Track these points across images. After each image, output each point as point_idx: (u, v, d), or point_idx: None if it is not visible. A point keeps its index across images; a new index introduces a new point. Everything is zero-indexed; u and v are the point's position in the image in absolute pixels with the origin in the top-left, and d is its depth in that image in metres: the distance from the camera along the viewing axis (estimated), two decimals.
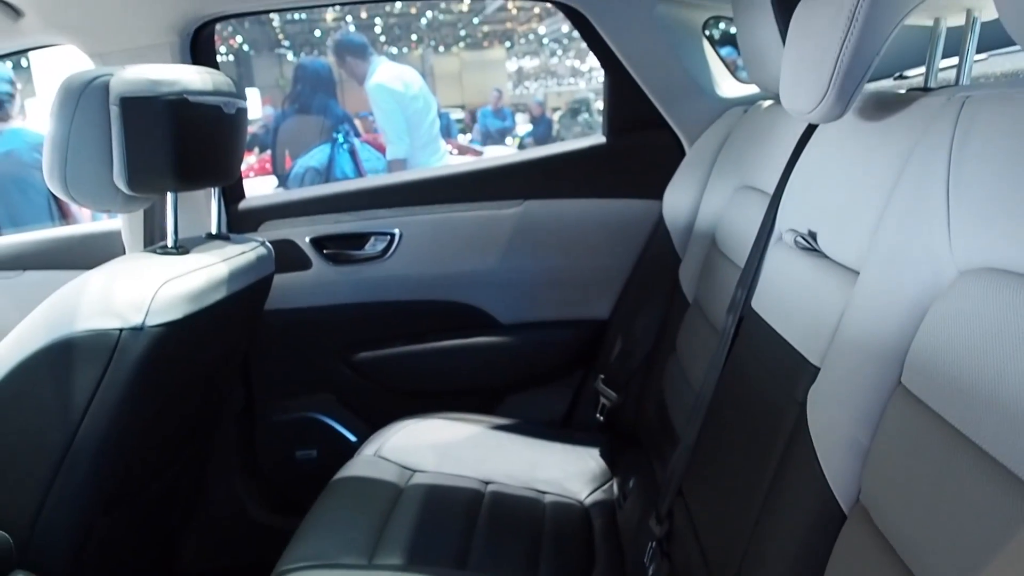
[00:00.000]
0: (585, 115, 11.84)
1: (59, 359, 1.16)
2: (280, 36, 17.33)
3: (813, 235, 0.97)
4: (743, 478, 0.96)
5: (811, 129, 1.14)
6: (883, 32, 0.85)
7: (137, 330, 1.16)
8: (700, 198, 1.62)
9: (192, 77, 1.30)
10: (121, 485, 1.32)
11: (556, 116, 12.34)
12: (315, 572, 1.25)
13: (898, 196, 0.79)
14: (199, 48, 1.72)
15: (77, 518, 1.22)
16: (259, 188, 5.18)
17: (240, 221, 1.83)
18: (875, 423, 0.73)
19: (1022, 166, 0.63)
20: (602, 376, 1.79)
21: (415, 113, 3.84)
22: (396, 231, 1.85)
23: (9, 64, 3.50)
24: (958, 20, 0.96)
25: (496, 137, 10.51)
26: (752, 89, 1.82)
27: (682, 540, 1.15)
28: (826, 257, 0.94)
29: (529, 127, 11.19)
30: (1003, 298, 0.61)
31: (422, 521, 1.40)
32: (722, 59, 1.89)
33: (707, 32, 1.87)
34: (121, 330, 1.16)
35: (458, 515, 1.43)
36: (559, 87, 19.55)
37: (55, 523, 1.20)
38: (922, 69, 0.99)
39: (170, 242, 1.36)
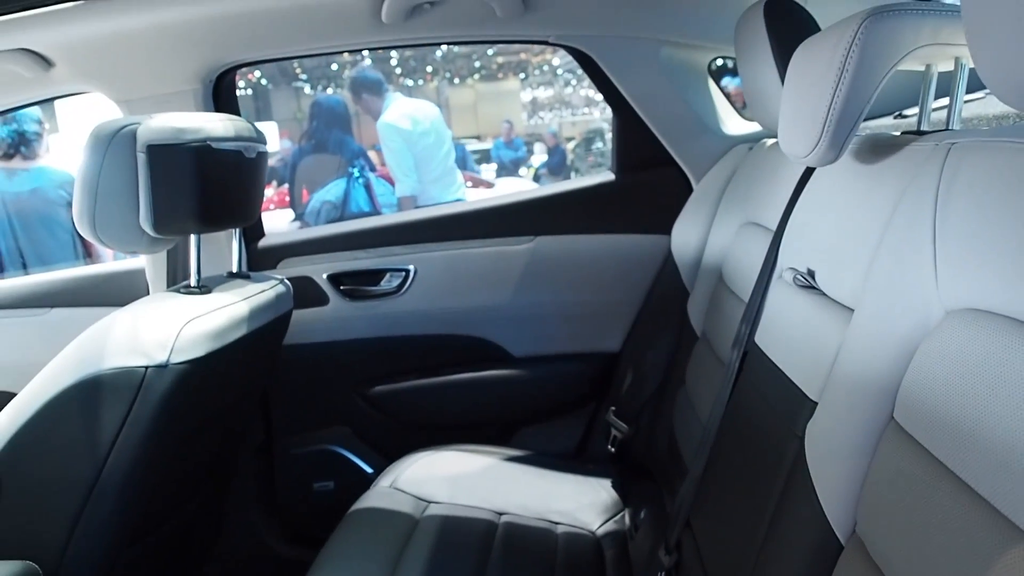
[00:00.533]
0: (599, 144, 11.92)
1: (88, 396, 1.20)
2: (297, 70, 17.58)
3: (812, 273, 1.01)
4: (746, 510, 0.99)
5: (811, 169, 1.18)
6: (873, 81, 0.89)
7: (162, 367, 1.21)
8: (707, 233, 1.66)
9: (215, 125, 1.36)
10: (145, 517, 1.36)
11: (571, 146, 12.43)
12: None
13: (889, 238, 0.83)
14: (221, 93, 1.79)
15: (104, 549, 1.26)
16: (277, 220, 5.26)
17: (260, 259, 1.89)
18: (869, 457, 0.76)
19: (1003, 212, 0.66)
20: (613, 408, 1.82)
21: (425, 149, 3.90)
22: (411, 267, 1.90)
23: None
24: (948, 66, 1.00)
25: (510, 168, 10.60)
26: (757, 126, 1.87)
27: (690, 571, 1.18)
28: (824, 295, 0.97)
29: (545, 157, 11.28)
30: (985, 338, 0.64)
31: (437, 552, 1.42)
32: (727, 95, 1.94)
33: (712, 68, 1.92)
34: (147, 368, 1.20)
35: (472, 546, 1.46)
36: (573, 117, 19.69)
37: (83, 554, 1.24)
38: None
39: (193, 281, 1.41)
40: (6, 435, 1.20)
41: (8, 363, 1.85)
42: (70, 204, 3.56)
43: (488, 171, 10.70)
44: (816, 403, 0.88)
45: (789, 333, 1.03)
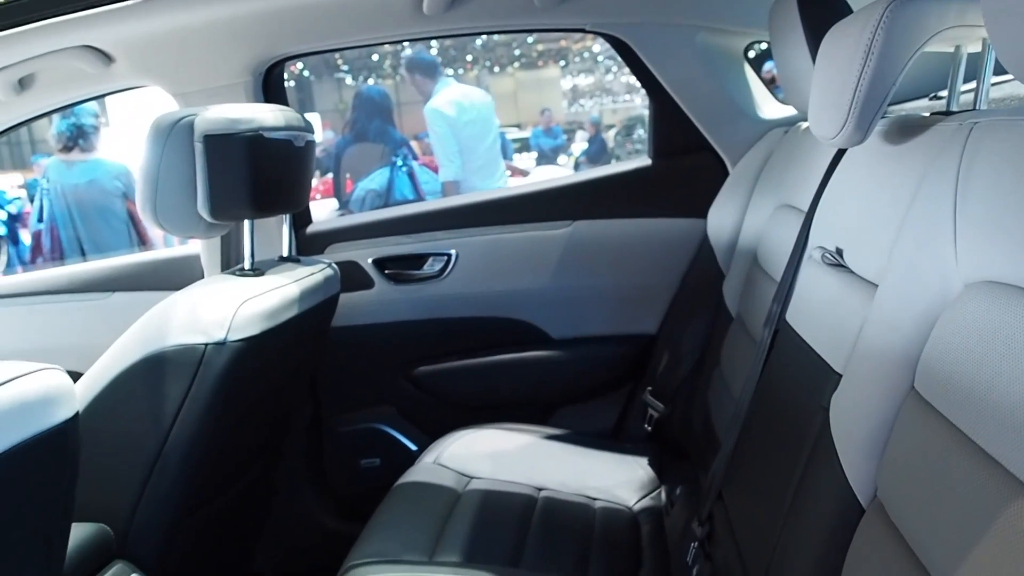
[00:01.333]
0: (640, 132, 11.86)
1: (152, 371, 1.29)
2: (339, 61, 17.76)
3: (840, 252, 1.04)
4: (774, 480, 1.03)
5: (843, 151, 1.20)
6: (898, 64, 0.92)
7: (220, 345, 1.28)
8: (743, 217, 1.69)
9: (266, 115, 1.43)
10: (205, 487, 1.44)
11: (611, 134, 12.40)
12: (379, 568, 1.35)
13: (912, 215, 0.86)
14: (270, 85, 1.86)
15: (167, 516, 1.34)
16: (323, 209, 5.36)
17: (308, 244, 1.96)
18: (890, 425, 0.80)
19: (1021, 187, 0.69)
20: (650, 388, 1.86)
21: (469, 137, 3.94)
22: (453, 252, 1.96)
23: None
24: (977, 47, 1.02)
25: (550, 156, 10.62)
26: (793, 110, 1.89)
27: (721, 541, 1.22)
28: (851, 272, 1.01)
29: (585, 145, 11.28)
30: (1001, 308, 0.67)
31: (479, 523, 1.48)
32: (771, 80, 1.96)
33: (751, 53, 1.94)
34: (206, 345, 1.28)
35: (513, 518, 1.52)
36: (614, 104, 19.60)
37: (149, 520, 1.32)
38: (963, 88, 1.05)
39: (247, 265, 1.49)
40: (79, 409, 1.29)
41: (74, 345, 1.95)
42: (125, 195, 3.71)
43: (528, 160, 10.72)
44: (841, 375, 0.92)
45: (817, 309, 1.07)
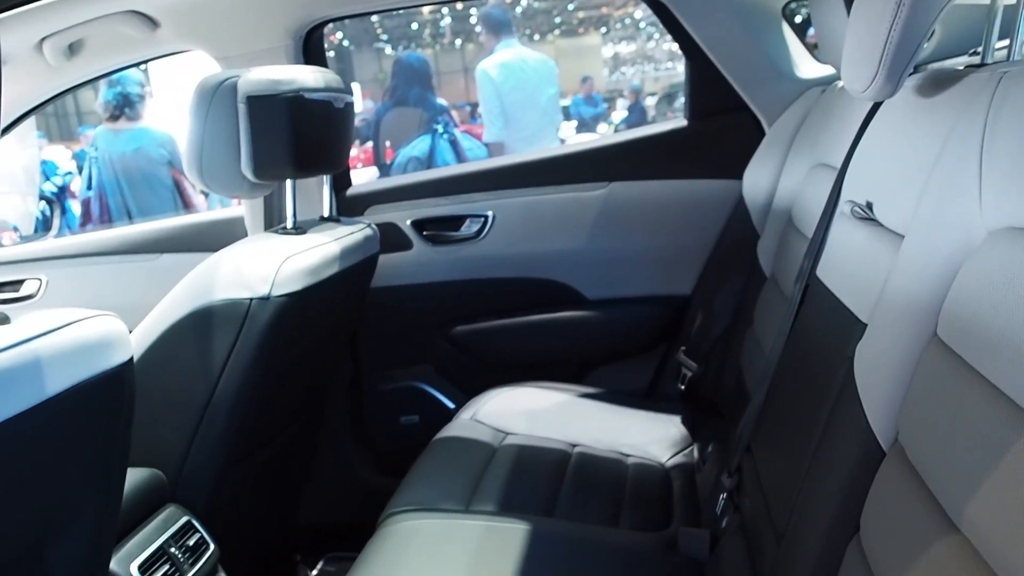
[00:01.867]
0: (682, 99, 11.68)
1: (200, 325, 1.34)
2: (379, 31, 17.76)
3: (870, 205, 1.05)
4: (800, 430, 1.05)
5: (877, 107, 1.21)
6: (929, 16, 0.92)
7: (264, 300, 1.33)
8: (778, 177, 1.69)
9: (307, 76, 1.46)
10: (251, 438, 1.50)
11: (653, 101, 12.25)
12: (417, 515, 1.40)
13: (940, 164, 0.87)
14: (310, 49, 1.90)
15: (216, 463, 1.41)
16: (364, 177, 5.41)
17: (348, 206, 2.01)
18: (912, 371, 0.82)
19: None
20: (683, 348, 1.88)
21: (513, 104, 3.94)
22: (490, 213, 1.99)
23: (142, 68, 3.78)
24: None
25: (590, 124, 10.55)
26: (831, 69, 1.87)
27: (749, 491, 1.24)
28: (880, 225, 1.02)
29: (625, 113, 11.17)
30: (1022, 254, 0.69)
31: (513, 475, 1.53)
32: (806, 44, 1.94)
33: (788, 12, 1.93)
34: (251, 300, 1.33)
35: (547, 472, 1.56)
36: (656, 72, 19.32)
37: (199, 466, 1.39)
38: (999, 45, 1.05)
39: (289, 224, 1.53)
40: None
41: (125, 303, 2.02)
42: (170, 162, 3.80)
43: (568, 128, 10.65)
44: (866, 325, 0.94)
45: (846, 263, 1.08)
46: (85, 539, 0.98)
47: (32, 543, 0.91)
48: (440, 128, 3.80)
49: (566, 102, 12.47)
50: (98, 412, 0.93)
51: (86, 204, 3.91)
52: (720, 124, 1.94)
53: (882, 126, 1.14)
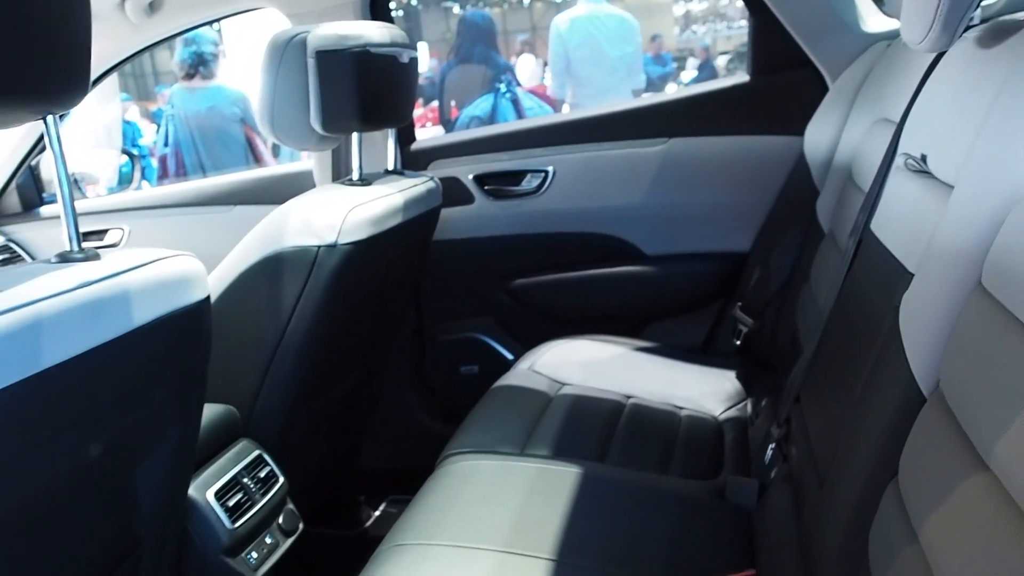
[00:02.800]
0: None
1: (271, 270, 1.42)
2: None
3: (924, 158, 1.05)
4: (845, 380, 1.07)
5: (939, 59, 1.19)
6: None
7: (331, 247, 1.40)
8: (840, 133, 1.67)
9: (373, 32, 1.51)
10: (317, 380, 1.58)
11: (724, 60, 11.97)
12: (475, 456, 1.46)
13: (993, 115, 0.87)
14: (377, 5, 1.94)
15: (286, 401, 1.49)
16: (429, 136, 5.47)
17: (412, 160, 2.06)
18: (955, 318, 0.83)
19: None
20: (740, 304, 1.89)
21: (579, 61, 3.91)
22: (550, 168, 2.02)
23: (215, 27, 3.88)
24: None
25: (657, 84, 10.38)
26: (898, 23, 1.83)
27: (797, 441, 1.27)
28: (933, 177, 1.02)
29: (695, 73, 10.95)
30: None
31: (568, 423, 1.58)
32: None
33: None
34: (319, 247, 1.40)
35: (600, 420, 1.60)
36: (729, 31, 18.82)
37: (269, 404, 1.47)
38: None
39: (355, 176, 1.59)
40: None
41: (200, 252, 2.12)
42: (243, 120, 3.91)
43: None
44: (913, 275, 0.95)
45: (898, 215, 1.09)
46: (167, 461, 1.07)
47: (122, 461, 0.99)
48: (503, 87, 3.82)
49: None
50: (179, 345, 1.00)
51: (163, 160, 4.06)
52: (782, 80, 1.92)
53: (941, 78, 1.13)
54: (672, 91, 10.19)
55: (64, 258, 0.88)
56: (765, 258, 1.86)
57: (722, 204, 1.99)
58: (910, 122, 1.18)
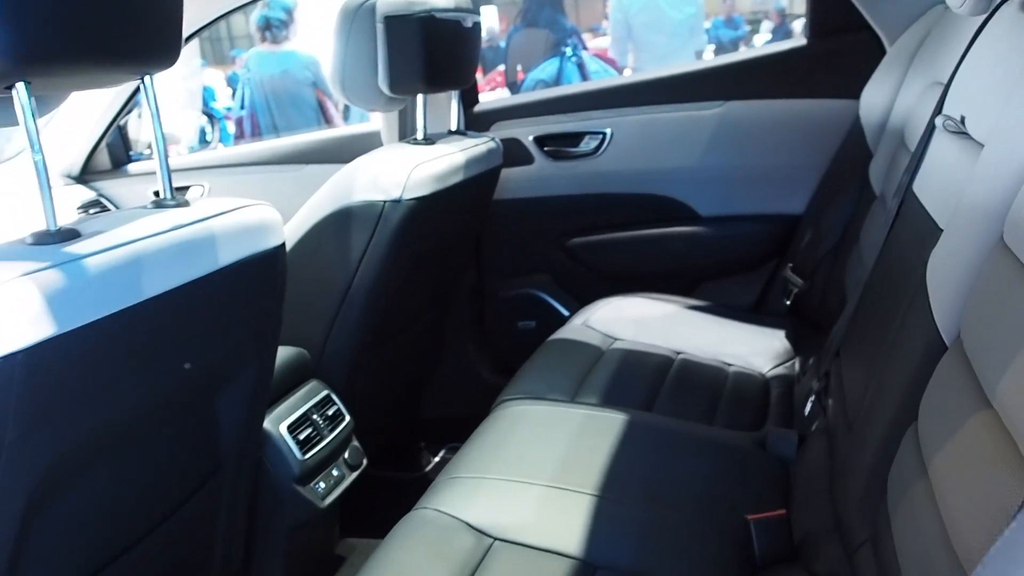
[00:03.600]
0: None
1: (341, 223, 1.52)
2: None
3: (963, 119, 1.08)
4: (879, 332, 1.11)
5: (986, 24, 1.21)
6: None
7: (396, 202, 1.49)
8: (895, 96, 1.69)
9: None
10: (382, 327, 1.68)
11: (800, 24, 11.63)
12: (527, 403, 1.54)
13: None
14: None
15: (352, 346, 1.60)
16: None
17: (475, 122, 2.14)
18: (977, 272, 0.87)
19: None
20: (791, 265, 1.92)
21: (641, 26, 3.92)
22: (608, 130, 2.07)
23: None
24: None
25: (729, 49, 10.18)
26: None
27: (834, 394, 1.32)
28: (970, 138, 1.05)
29: (769, 36, 10.70)
30: None
31: (618, 374, 1.65)
32: None
33: None
34: (385, 202, 1.49)
35: (650, 373, 1.67)
36: None
37: (337, 348, 1.58)
38: None
39: (420, 135, 1.68)
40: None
41: (274, 208, 2.26)
42: (314, 83, 4.03)
43: (709, 53, 10.31)
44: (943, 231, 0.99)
45: (936, 174, 1.12)
46: (246, 393, 1.18)
47: (207, 389, 1.11)
48: (568, 51, 3.85)
49: (705, 24, 12.04)
50: (257, 285, 1.11)
51: (239, 122, 4.23)
52: (840, 43, 1.93)
53: (985, 42, 1.15)
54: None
55: (159, 204, 0.99)
56: (817, 220, 1.89)
57: (777, 167, 2.02)
58: (954, 85, 1.20)
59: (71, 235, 0.85)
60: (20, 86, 0.80)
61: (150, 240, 0.89)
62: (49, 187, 0.83)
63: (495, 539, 1.14)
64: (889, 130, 1.66)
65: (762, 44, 10.52)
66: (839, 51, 1.94)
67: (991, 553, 0.53)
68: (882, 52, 1.85)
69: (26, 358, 0.75)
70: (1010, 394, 0.70)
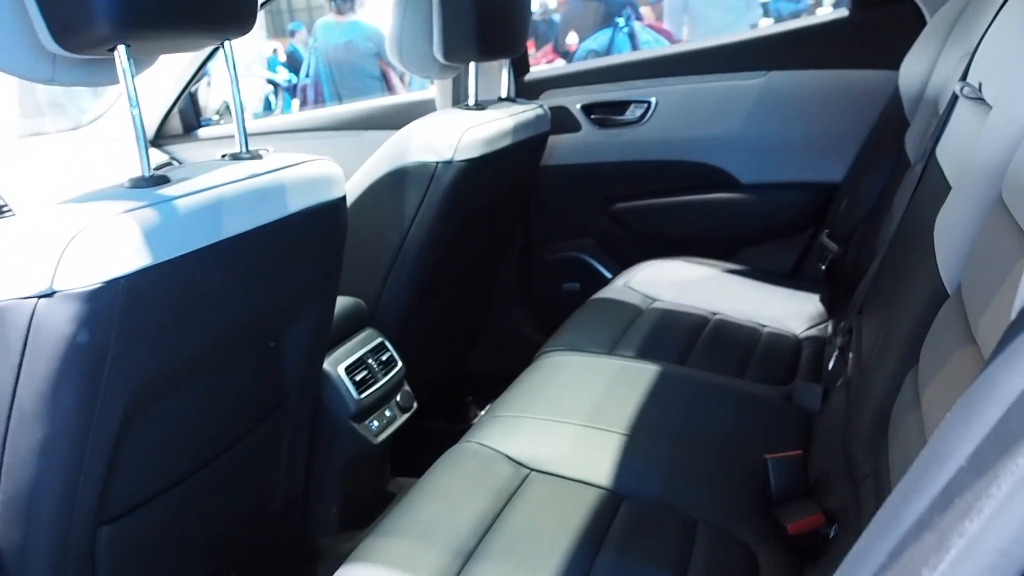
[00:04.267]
0: None
1: (396, 182, 1.63)
2: None
3: (980, 86, 1.14)
4: (895, 287, 1.19)
5: None
6: None
7: (448, 163, 1.59)
8: (933, 67, 1.72)
9: None
10: (434, 281, 1.80)
11: None
12: (567, 354, 1.65)
13: None
14: None
15: (406, 298, 1.72)
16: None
17: (525, 90, 2.23)
18: (978, 226, 0.94)
19: None
20: (827, 231, 1.98)
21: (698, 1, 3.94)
22: (653, 99, 2.15)
23: None
24: None
25: (788, 20, 10.01)
26: None
27: (855, 348, 1.39)
28: (985, 103, 1.11)
29: (830, 10, 10.48)
30: None
31: (655, 331, 1.74)
32: None
33: None
34: (437, 163, 1.60)
35: (685, 330, 1.76)
36: None
37: (391, 300, 1.70)
38: None
39: (472, 101, 1.78)
40: None
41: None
42: (377, 54, 4.15)
43: (766, 25, 10.13)
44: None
45: (954, 139, 1.18)
46: (309, 332, 1.31)
47: (274, 326, 1.23)
48: (621, 22, 3.90)
49: None
50: (322, 232, 1.23)
51: (303, 90, 4.38)
52: (881, 14, 1.97)
53: (1009, 10, 1.20)
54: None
55: (235, 157, 1.11)
56: (854, 187, 1.94)
57: (817, 136, 2.07)
58: (978, 53, 1.25)
59: (162, 180, 0.97)
60: (121, 49, 0.92)
61: (229, 186, 1.01)
62: (144, 138, 0.96)
63: (532, 470, 1.25)
64: (926, 100, 1.70)
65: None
66: (881, 22, 1.98)
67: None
68: (923, 23, 1.88)
69: (127, 283, 0.88)
70: (988, 329, 0.78)
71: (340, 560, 1.07)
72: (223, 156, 1.14)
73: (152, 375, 1.00)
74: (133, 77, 0.94)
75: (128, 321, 0.91)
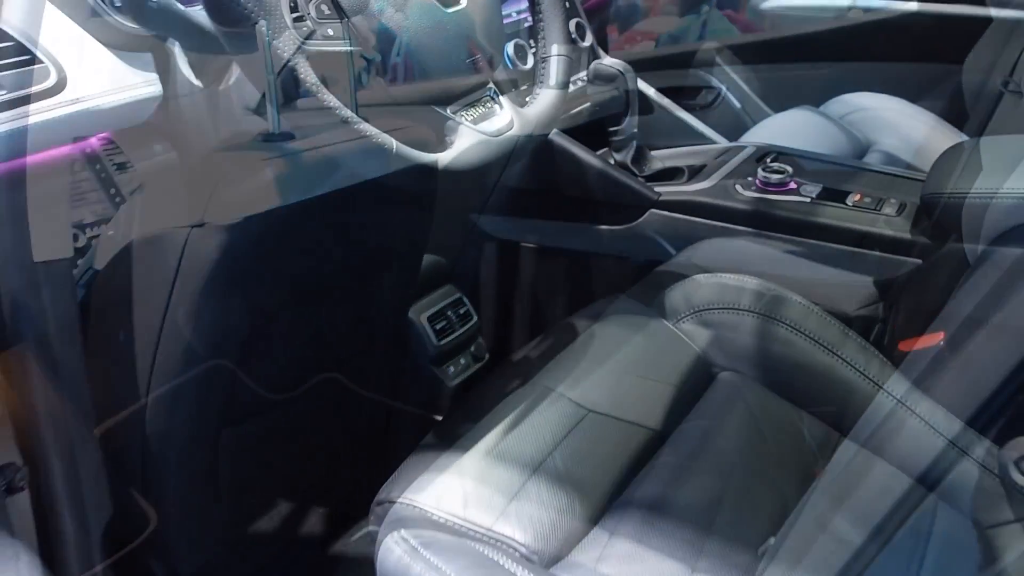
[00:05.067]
0: None
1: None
2: None
3: (1021, 82, 1.24)
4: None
5: None
6: None
7: (528, 138, 1.75)
8: (996, 63, 1.80)
9: None
10: (510, 250, 1.96)
11: None
12: (630, 315, 1.79)
13: None
14: None
15: (480, 261, 1.89)
16: None
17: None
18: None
19: None
20: None
21: None
22: (723, 86, 2.26)
23: None
24: None
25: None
26: None
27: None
28: (1021, 94, 1.22)
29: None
30: None
31: None
32: None
33: None
34: (518, 137, 1.75)
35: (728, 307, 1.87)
36: None
37: (469, 260, 1.88)
38: None
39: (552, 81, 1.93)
40: None
41: None
42: (467, 36, 4.28)
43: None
44: None
45: (993, 129, 1.29)
46: (400, 280, 1.49)
47: (370, 272, 1.42)
48: (705, 9, 3.95)
49: None
50: (416, 191, 1.40)
51: (394, 68, 4.54)
52: (948, 10, 2.04)
53: None
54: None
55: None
56: None
57: None
58: None
59: (288, 136, 1.16)
60: (262, 23, 1.10)
61: (341, 145, 1.20)
62: (276, 100, 1.14)
63: (589, 411, 1.40)
64: (985, 94, 1.78)
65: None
66: (947, 17, 2.05)
67: None
68: (988, 20, 1.95)
69: (261, 220, 1.07)
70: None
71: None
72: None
73: (270, 301, 1.19)
74: (270, 47, 1.12)
75: (258, 252, 1.10)
